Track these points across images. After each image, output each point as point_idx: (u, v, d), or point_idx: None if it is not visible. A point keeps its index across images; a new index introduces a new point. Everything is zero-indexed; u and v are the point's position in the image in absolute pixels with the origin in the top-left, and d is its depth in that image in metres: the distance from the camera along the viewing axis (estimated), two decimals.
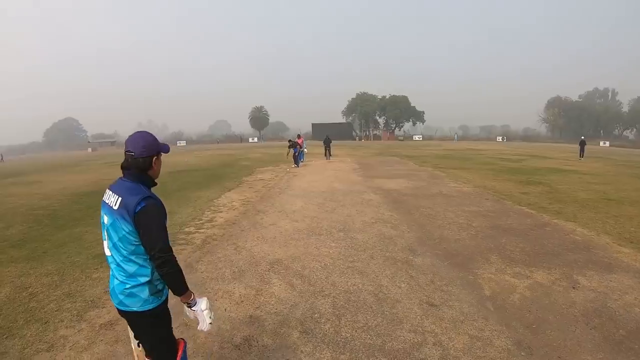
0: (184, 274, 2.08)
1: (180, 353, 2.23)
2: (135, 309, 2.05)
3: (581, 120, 75.51)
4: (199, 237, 6.58)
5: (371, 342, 3.27)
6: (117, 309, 2.13)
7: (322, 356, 3.08)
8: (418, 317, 3.68)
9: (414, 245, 5.96)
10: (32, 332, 3.62)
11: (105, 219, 2.08)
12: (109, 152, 54.49)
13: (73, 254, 5.86)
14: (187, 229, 7.10)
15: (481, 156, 25.98)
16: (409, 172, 16.38)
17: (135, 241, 2.00)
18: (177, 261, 2.03)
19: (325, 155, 24.39)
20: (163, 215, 2.04)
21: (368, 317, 3.70)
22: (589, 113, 76.97)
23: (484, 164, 20.50)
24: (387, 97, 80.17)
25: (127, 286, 2.04)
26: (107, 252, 2.11)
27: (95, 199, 11.01)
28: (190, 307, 2.14)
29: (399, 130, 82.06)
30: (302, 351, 3.17)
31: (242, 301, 4.11)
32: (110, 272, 2.15)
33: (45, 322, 3.81)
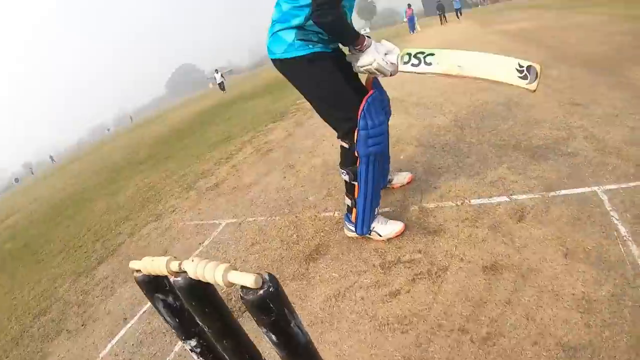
0: None
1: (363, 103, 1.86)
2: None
3: None
4: (308, 105, 6.63)
5: (502, 143, 2.88)
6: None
7: (445, 162, 2.82)
8: (560, 116, 3.11)
9: (546, 61, 5.01)
10: (146, 212, 4.09)
11: None
12: (227, 83, 56.71)
13: (192, 148, 6.46)
14: (293, 107, 7.17)
15: None
16: (531, 16, 13.89)
17: None
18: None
19: (441, 22, 23.59)
20: None
21: (497, 122, 3.28)
22: None
23: None
24: None
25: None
26: None
27: (216, 114, 11.94)
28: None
29: None
30: (417, 161, 2.97)
31: None
32: None
33: (158, 201, 4.28)
